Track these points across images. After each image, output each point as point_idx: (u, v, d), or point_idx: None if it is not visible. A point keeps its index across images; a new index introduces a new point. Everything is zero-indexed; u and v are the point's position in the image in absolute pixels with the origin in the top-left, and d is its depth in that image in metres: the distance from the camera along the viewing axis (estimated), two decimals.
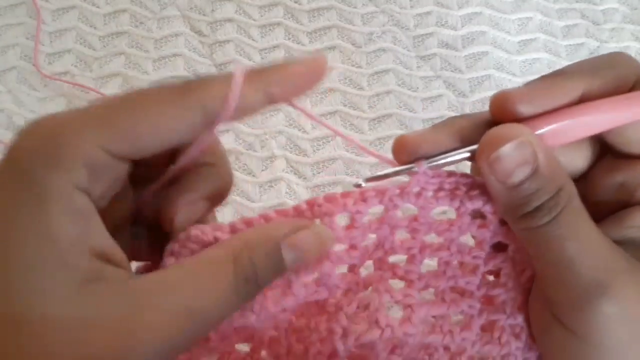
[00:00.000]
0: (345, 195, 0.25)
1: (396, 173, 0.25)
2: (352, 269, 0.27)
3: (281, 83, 0.22)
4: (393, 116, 0.52)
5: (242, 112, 0.22)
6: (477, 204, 0.25)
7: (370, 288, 0.27)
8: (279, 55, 0.54)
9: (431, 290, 0.28)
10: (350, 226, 0.26)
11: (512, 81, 0.54)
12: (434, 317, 0.27)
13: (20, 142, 0.20)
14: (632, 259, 0.24)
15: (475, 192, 0.25)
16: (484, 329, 0.28)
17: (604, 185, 0.25)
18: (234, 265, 0.21)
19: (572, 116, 0.23)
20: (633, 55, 0.57)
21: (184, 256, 0.23)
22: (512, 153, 0.22)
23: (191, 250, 0.23)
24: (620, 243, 0.24)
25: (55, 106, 0.50)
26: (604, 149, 0.26)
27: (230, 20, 0.55)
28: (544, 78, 0.24)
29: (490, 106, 0.24)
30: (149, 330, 0.19)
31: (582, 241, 0.23)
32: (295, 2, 0.57)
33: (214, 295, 0.21)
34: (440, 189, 0.25)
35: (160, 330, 0.19)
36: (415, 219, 0.26)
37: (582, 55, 0.57)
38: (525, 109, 0.23)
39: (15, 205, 0.19)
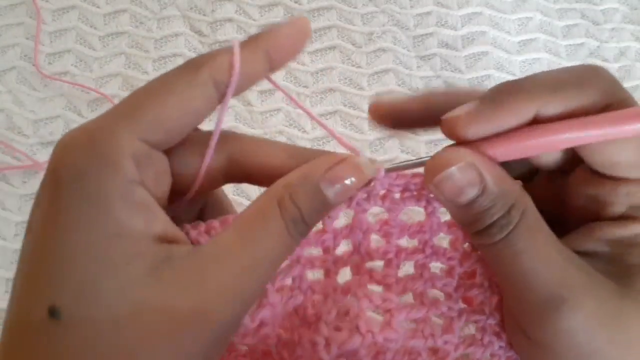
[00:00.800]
0: None
1: (414, 165, 0.25)
2: (328, 274, 0.27)
3: (277, 45, 0.23)
4: None
5: (248, 78, 0.23)
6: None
7: (349, 295, 0.27)
8: None
9: (409, 293, 0.28)
10: (321, 230, 0.26)
11: None
12: (414, 320, 0.28)
13: (61, 156, 0.21)
14: (593, 272, 0.23)
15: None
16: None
17: (578, 194, 0.25)
18: (280, 209, 0.22)
19: (523, 139, 0.23)
20: (633, 55, 0.57)
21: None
22: (457, 175, 0.23)
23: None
24: (588, 255, 0.24)
25: (55, 106, 0.50)
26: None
27: (230, 20, 0.55)
28: (495, 95, 0.23)
29: (441, 128, 0.24)
30: (224, 287, 0.21)
31: (536, 257, 0.23)
32: (296, 2, 0.57)
33: (270, 241, 0.22)
34: (406, 189, 0.26)
35: (233, 285, 0.21)
36: (386, 222, 0.27)
37: (582, 55, 0.57)
38: (472, 133, 0.23)
39: (81, 214, 0.20)
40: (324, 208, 0.23)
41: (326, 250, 0.27)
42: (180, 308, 0.21)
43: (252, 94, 0.51)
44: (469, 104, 0.23)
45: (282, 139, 0.50)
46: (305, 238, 0.25)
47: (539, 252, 0.23)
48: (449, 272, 0.28)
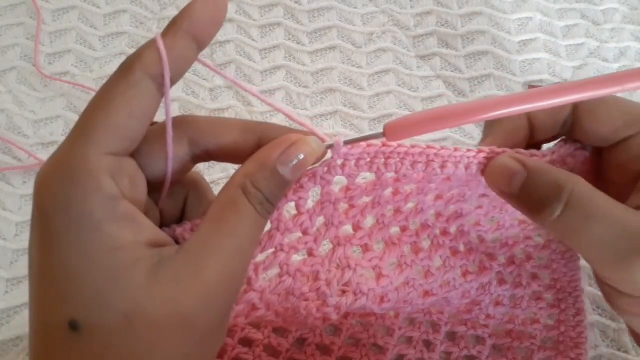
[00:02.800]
0: None
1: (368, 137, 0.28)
2: (311, 252, 0.30)
3: (196, 21, 0.24)
4: (393, 116, 0.52)
5: (180, 61, 0.24)
6: (391, 168, 0.29)
7: (339, 266, 0.30)
8: (279, 55, 0.54)
9: (380, 241, 0.33)
10: (297, 214, 0.29)
11: (512, 81, 0.54)
12: (395, 259, 0.33)
13: (42, 191, 0.23)
14: None
15: (391, 160, 0.29)
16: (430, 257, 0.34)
17: (624, 160, 0.29)
18: (245, 196, 0.25)
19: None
20: (633, 55, 0.57)
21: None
22: (505, 161, 0.28)
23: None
24: None
25: (56, 106, 0.50)
26: None
27: (230, 20, 0.55)
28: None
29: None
30: (216, 274, 0.23)
31: (600, 218, 0.26)
32: (295, 2, 0.57)
33: (245, 224, 0.25)
34: (360, 158, 0.29)
35: (223, 270, 0.24)
36: (347, 187, 0.30)
37: (582, 55, 0.57)
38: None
39: (74, 237, 0.22)
40: (285, 185, 0.26)
41: (305, 232, 0.30)
42: (183, 302, 0.22)
43: (251, 90, 0.51)
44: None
45: None
46: (287, 228, 0.28)
47: (601, 212, 0.26)
48: (398, 210, 0.33)
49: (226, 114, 0.50)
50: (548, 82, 0.54)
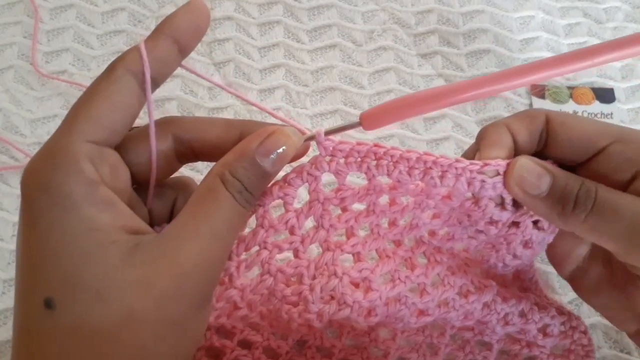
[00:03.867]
0: (272, 184, 0.28)
1: (344, 128, 0.28)
2: (297, 254, 0.29)
3: (178, 28, 0.26)
4: None
5: (162, 64, 0.26)
6: (382, 171, 0.28)
7: (326, 272, 0.30)
8: (278, 53, 0.53)
9: (374, 253, 0.31)
10: (284, 213, 0.28)
11: None
12: (388, 273, 0.31)
13: (27, 177, 0.24)
14: None
15: (383, 162, 0.28)
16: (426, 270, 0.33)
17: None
18: (223, 184, 0.25)
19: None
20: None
21: None
22: (530, 165, 0.29)
23: None
24: None
25: (53, 105, 0.49)
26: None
27: (229, 18, 0.55)
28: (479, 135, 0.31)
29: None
30: (191, 258, 0.24)
31: (626, 209, 0.27)
32: (295, 0, 0.56)
33: (223, 211, 0.25)
34: (349, 156, 0.28)
35: (199, 255, 0.24)
36: (339, 189, 0.29)
37: None
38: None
39: (54, 218, 0.23)
40: (264, 176, 0.26)
41: (292, 231, 0.29)
42: (156, 283, 0.23)
43: (251, 94, 0.51)
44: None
45: None
46: (272, 225, 0.28)
47: (627, 204, 0.27)
48: (394, 223, 0.32)
49: (225, 113, 0.50)
50: (549, 81, 0.54)
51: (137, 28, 0.54)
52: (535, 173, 0.28)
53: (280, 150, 0.26)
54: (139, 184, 0.28)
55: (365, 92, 0.52)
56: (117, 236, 0.24)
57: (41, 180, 0.23)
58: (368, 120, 0.27)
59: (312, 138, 0.27)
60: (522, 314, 0.36)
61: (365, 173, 0.28)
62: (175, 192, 0.30)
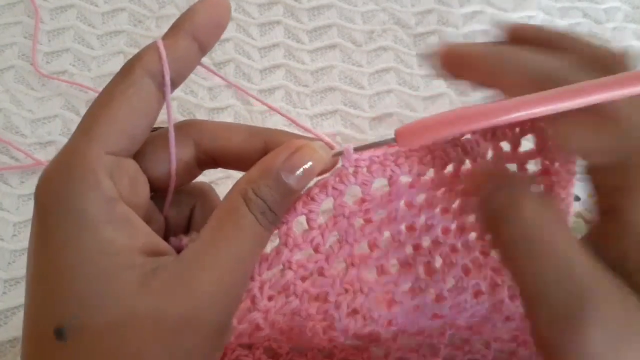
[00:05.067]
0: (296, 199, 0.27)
1: (378, 144, 0.26)
2: (321, 272, 0.28)
3: (198, 24, 0.24)
4: (394, 115, 0.51)
5: (181, 63, 0.24)
6: (404, 169, 0.27)
7: (351, 289, 0.28)
8: (278, 54, 0.53)
9: (395, 262, 0.30)
10: (308, 230, 0.27)
11: None
12: (409, 282, 0.30)
13: (42, 188, 0.22)
14: (618, 282, 0.21)
15: (401, 160, 0.27)
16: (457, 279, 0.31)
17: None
18: (246, 204, 0.23)
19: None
20: (635, 54, 0.57)
21: None
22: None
23: None
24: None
25: (54, 105, 0.49)
26: None
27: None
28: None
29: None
30: (209, 288, 0.22)
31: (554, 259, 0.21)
32: (295, 1, 0.56)
33: (244, 235, 0.23)
34: (372, 163, 0.27)
35: (217, 284, 0.22)
36: (363, 200, 0.28)
37: None
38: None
39: (69, 236, 0.21)
40: (289, 195, 0.25)
41: (316, 249, 0.27)
42: (171, 314, 0.21)
43: (251, 94, 0.51)
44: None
45: None
46: (297, 244, 0.26)
47: (557, 256, 0.21)
48: (412, 227, 0.30)
49: (225, 113, 0.50)
50: None
51: (137, 28, 0.54)
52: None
53: (307, 166, 0.24)
54: (157, 191, 0.27)
55: (365, 92, 0.52)
56: (133, 259, 0.22)
57: (56, 191, 0.22)
58: (404, 136, 0.25)
59: (339, 154, 0.26)
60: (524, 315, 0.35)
61: (388, 178, 0.27)
62: (193, 199, 0.29)
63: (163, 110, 0.25)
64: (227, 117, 0.50)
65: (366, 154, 0.26)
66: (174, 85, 0.24)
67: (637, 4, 0.60)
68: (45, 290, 0.22)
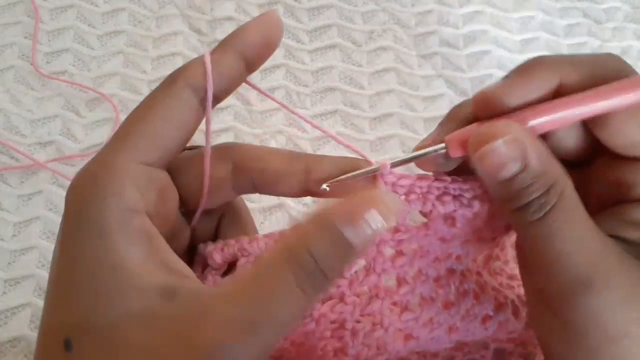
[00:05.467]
0: None
1: (365, 173, 0.24)
2: (342, 297, 0.26)
3: (247, 42, 0.24)
4: (394, 115, 0.51)
5: (225, 79, 0.23)
6: (449, 207, 0.25)
7: (371, 320, 0.27)
8: (278, 54, 0.53)
9: (417, 293, 0.28)
10: None
11: None
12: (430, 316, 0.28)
13: (69, 195, 0.22)
14: (626, 257, 0.24)
15: (447, 198, 0.25)
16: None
17: (601, 180, 0.25)
18: (290, 263, 0.20)
19: (560, 108, 0.23)
20: (635, 54, 0.57)
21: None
22: (502, 149, 0.22)
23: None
24: (620, 240, 0.24)
25: (53, 106, 0.49)
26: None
27: (229, 18, 0.55)
28: (522, 67, 0.24)
29: (474, 105, 0.24)
30: (219, 348, 0.19)
31: (569, 239, 0.23)
32: (295, 1, 0.56)
33: (275, 300, 0.20)
34: (410, 192, 0.25)
35: (229, 347, 0.19)
36: (396, 230, 0.26)
37: None
38: (508, 102, 0.23)
39: (84, 246, 0.21)
40: (348, 257, 0.20)
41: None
42: (165, 352, 0.19)
43: (251, 94, 0.51)
44: (497, 82, 0.24)
45: (281, 138, 0.49)
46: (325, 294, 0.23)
47: (573, 234, 0.23)
48: (437, 258, 0.28)
49: (225, 113, 0.50)
50: None
51: (137, 28, 0.54)
52: (507, 156, 0.22)
53: (379, 224, 0.20)
54: (186, 208, 0.26)
55: (365, 93, 0.52)
56: (146, 280, 0.21)
57: (79, 199, 0.21)
58: (455, 143, 0.23)
59: (374, 171, 0.24)
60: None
61: (429, 212, 0.25)
62: (221, 210, 0.28)
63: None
64: (227, 117, 0.50)
65: (406, 181, 0.24)
66: (216, 101, 0.24)
67: (637, 4, 0.60)
68: (58, 299, 0.21)
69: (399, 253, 0.26)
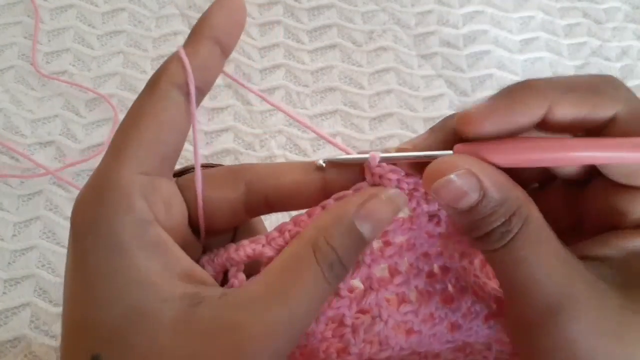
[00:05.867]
0: (311, 212, 0.25)
1: (355, 160, 0.25)
2: (338, 292, 0.26)
3: (217, 27, 0.23)
4: (394, 115, 0.51)
5: (206, 70, 0.23)
6: (433, 207, 0.25)
7: (369, 313, 0.27)
8: (278, 54, 0.53)
9: (412, 286, 0.28)
10: None
11: (514, 80, 0.53)
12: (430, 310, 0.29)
13: (75, 212, 0.22)
14: (597, 282, 0.23)
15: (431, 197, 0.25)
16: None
17: (596, 203, 0.25)
18: (315, 255, 0.22)
19: (533, 150, 0.23)
20: (635, 54, 0.57)
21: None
22: (456, 182, 0.22)
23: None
24: (597, 259, 0.24)
25: (53, 106, 0.49)
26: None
27: None
28: (507, 92, 0.23)
29: (457, 124, 0.24)
30: (256, 342, 0.20)
31: (537, 265, 0.22)
32: (295, 1, 0.56)
33: (306, 290, 0.21)
34: (398, 187, 0.25)
35: (265, 340, 0.20)
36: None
37: (584, 54, 0.56)
38: (486, 130, 0.23)
39: (101, 262, 0.21)
40: (361, 246, 0.23)
41: None
42: None
43: (251, 94, 0.51)
44: (482, 103, 0.23)
45: (281, 138, 0.49)
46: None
47: (540, 260, 0.22)
48: (427, 253, 0.29)
49: (225, 113, 0.50)
50: None
51: (137, 28, 0.54)
52: (457, 192, 0.22)
53: (383, 215, 0.23)
54: (197, 225, 0.26)
55: (365, 93, 0.52)
56: (169, 290, 0.21)
57: (90, 216, 0.21)
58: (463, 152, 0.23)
59: (364, 160, 0.25)
60: None
61: (413, 209, 0.26)
62: (231, 232, 0.28)
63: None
64: (227, 117, 0.50)
65: (394, 175, 0.25)
66: (202, 93, 0.24)
67: (637, 4, 0.60)
68: (81, 317, 0.21)
69: (387, 243, 0.27)
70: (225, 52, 0.24)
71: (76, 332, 0.22)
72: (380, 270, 0.27)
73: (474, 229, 0.23)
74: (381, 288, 0.27)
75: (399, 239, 0.27)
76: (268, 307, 0.21)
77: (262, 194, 0.25)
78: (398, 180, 0.25)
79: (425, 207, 0.26)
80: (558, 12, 0.59)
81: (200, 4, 0.55)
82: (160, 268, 0.21)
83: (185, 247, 0.23)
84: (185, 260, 0.22)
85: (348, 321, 0.26)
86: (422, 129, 0.50)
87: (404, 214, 0.27)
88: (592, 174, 0.25)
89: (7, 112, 0.48)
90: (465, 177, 0.22)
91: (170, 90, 0.23)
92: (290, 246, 0.23)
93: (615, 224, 0.24)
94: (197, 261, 0.25)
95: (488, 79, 0.54)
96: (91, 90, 0.50)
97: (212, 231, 0.26)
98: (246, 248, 0.25)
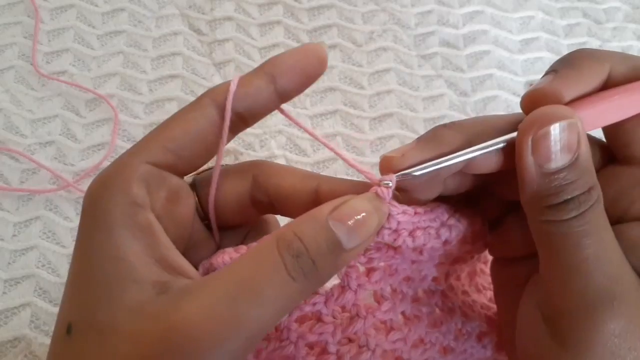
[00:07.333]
0: None
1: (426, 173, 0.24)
2: (319, 317, 0.25)
3: (281, 68, 0.24)
4: (394, 115, 0.51)
5: (253, 100, 0.24)
6: (418, 242, 0.25)
7: (356, 342, 0.26)
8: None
9: (399, 311, 0.28)
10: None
11: (514, 80, 0.54)
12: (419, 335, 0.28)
13: (86, 192, 0.23)
14: (637, 280, 0.23)
15: (419, 232, 0.25)
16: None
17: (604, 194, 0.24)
18: (277, 244, 0.21)
19: (610, 99, 0.23)
20: (635, 54, 0.57)
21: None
22: (559, 134, 0.21)
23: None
24: None
25: (53, 106, 0.49)
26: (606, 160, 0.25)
27: (229, 18, 0.55)
28: (567, 62, 0.24)
29: (527, 105, 0.23)
30: (201, 340, 0.20)
31: (601, 243, 0.22)
32: (295, 1, 0.56)
33: (260, 285, 0.20)
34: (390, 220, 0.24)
35: (210, 338, 0.20)
36: (367, 248, 0.25)
37: None
38: (566, 96, 0.23)
39: (91, 237, 0.22)
40: (336, 250, 0.21)
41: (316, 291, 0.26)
42: (144, 342, 0.20)
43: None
44: (543, 80, 0.24)
45: (281, 138, 0.49)
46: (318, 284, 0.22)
47: (605, 239, 0.22)
48: (409, 277, 0.28)
49: None
50: None
51: (137, 28, 0.54)
52: (562, 142, 0.21)
53: (359, 217, 0.21)
54: (209, 221, 0.27)
55: (365, 93, 0.52)
56: (143, 272, 0.21)
57: (94, 195, 0.23)
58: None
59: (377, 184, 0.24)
60: None
61: (399, 246, 0.25)
62: (248, 226, 0.28)
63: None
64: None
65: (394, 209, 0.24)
66: (244, 123, 0.25)
67: (637, 4, 0.60)
68: (69, 287, 0.23)
69: (371, 269, 0.26)
70: (281, 94, 0.24)
71: (64, 300, 0.23)
72: (367, 296, 0.26)
73: (552, 194, 0.22)
74: (369, 315, 0.26)
75: (381, 264, 0.27)
76: (214, 291, 0.20)
77: (264, 190, 0.26)
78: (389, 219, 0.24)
79: (410, 243, 0.25)
80: (558, 12, 0.59)
81: (200, 4, 0.55)
82: (140, 250, 0.22)
83: (195, 243, 0.24)
84: (169, 250, 0.23)
85: (332, 349, 0.25)
86: (422, 129, 0.50)
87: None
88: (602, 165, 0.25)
89: (7, 112, 0.48)
90: (570, 131, 0.21)
91: (208, 105, 0.24)
92: (262, 239, 0.23)
93: (620, 216, 0.24)
94: None
95: (488, 79, 0.54)
96: (91, 90, 0.50)
97: (223, 225, 0.27)
98: (225, 255, 0.24)
